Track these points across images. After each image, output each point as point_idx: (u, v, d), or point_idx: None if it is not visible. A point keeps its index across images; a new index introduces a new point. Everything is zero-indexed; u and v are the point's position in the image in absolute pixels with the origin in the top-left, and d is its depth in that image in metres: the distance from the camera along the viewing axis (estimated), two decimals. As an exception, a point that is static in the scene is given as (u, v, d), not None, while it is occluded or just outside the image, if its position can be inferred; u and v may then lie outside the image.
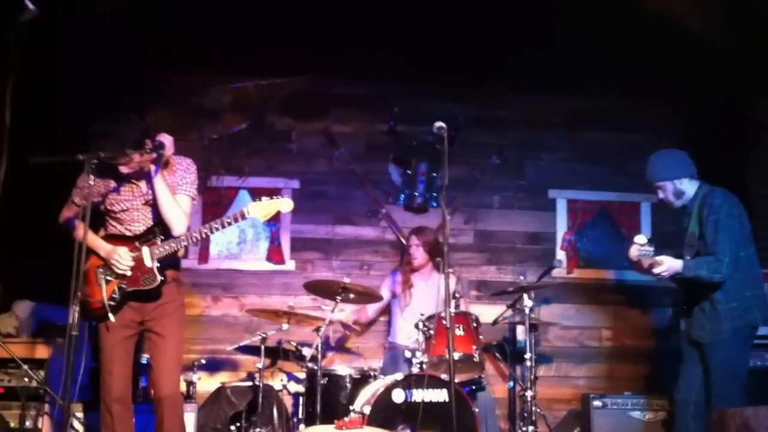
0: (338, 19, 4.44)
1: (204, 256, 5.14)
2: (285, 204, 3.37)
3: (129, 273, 3.22)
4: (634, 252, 3.45)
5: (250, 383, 4.48)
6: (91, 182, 2.93)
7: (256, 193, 5.10)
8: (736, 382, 3.46)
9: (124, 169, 3.23)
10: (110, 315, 3.20)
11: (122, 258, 3.21)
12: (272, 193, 4.63)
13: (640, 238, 3.46)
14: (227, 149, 5.10)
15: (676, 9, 4.40)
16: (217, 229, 3.28)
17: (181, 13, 4.25)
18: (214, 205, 5.08)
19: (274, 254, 5.20)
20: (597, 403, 4.65)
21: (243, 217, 3.29)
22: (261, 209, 3.32)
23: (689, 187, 3.67)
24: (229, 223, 3.28)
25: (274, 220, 5.08)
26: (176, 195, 3.30)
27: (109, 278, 3.24)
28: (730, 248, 3.44)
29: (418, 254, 4.78)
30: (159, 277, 3.22)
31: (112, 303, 3.22)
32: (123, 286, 3.24)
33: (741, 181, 5.01)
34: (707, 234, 3.49)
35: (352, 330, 4.97)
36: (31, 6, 2.97)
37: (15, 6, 2.97)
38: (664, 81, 5.22)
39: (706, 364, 3.53)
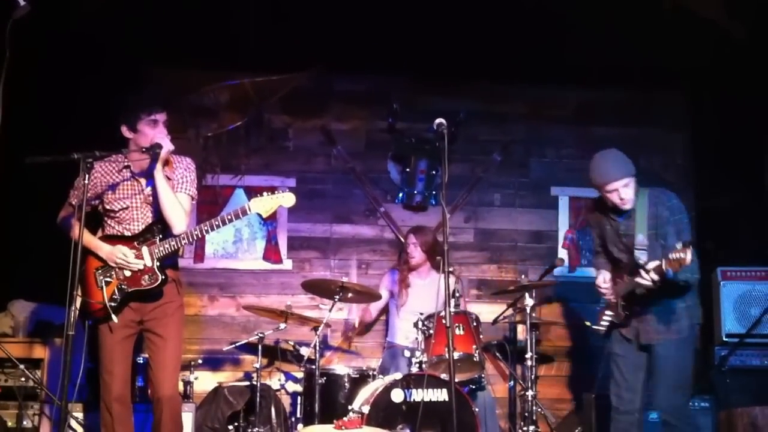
0: (335, 11, 4.52)
1: (200, 255, 5.31)
2: (287, 199, 3.41)
3: (141, 268, 3.32)
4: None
5: (247, 383, 4.66)
6: (86, 181, 3.04)
7: (252, 192, 5.23)
8: (688, 376, 3.60)
9: (121, 158, 3.39)
10: (113, 316, 3.31)
11: (128, 257, 3.32)
12: (269, 191, 4.73)
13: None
14: (224, 147, 5.24)
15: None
16: (218, 226, 3.36)
17: (179, 9, 4.36)
18: (209, 204, 5.21)
19: (271, 253, 5.37)
20: (600, 403, 4.76)
21: (245, 213, 3.35)
22: (263, 205, 3.37)
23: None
24: (230, 220, 3.36)
25: (271, 219, 5.23)
26: (176, 193, 3.42)
27: (108, 279, 3.37)
28: (695, 250, 3.49)
29: (416, 253, 4.92)
30: (161, 276, 3.34)
31: (112, 304, 3.33)
32: (123, 286, 3.36)
33: (753, 174, 5.06)
34: (670, 235, 3.52)
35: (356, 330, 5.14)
36: (22, 2, 3.04)
37: (7, 4, 3.07)
38: (674, 73, 5.26)
39: (656, 365, 3.59)
